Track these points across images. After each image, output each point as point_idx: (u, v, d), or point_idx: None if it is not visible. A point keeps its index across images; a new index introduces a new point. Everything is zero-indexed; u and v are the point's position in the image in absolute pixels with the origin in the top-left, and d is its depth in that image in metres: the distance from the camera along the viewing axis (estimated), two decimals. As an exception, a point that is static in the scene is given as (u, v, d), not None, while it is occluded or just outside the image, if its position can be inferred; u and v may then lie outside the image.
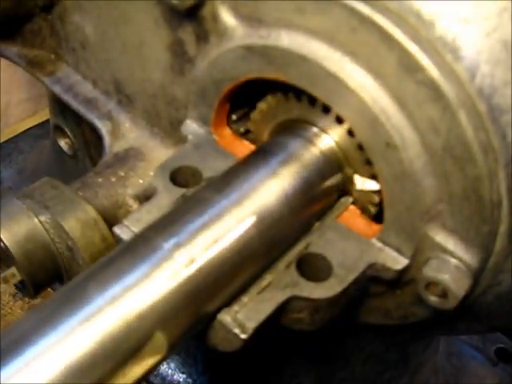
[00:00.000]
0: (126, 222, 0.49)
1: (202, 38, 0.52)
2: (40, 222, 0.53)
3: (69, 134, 0.83)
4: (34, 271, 0.54)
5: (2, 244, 0.53)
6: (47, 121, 1.20)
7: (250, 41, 0.48)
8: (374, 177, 0.49)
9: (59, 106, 0.82)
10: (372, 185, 0.50)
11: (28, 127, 1.18)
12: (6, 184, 1.07)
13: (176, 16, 0.53)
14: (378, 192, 0.50)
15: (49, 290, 0.69)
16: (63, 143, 0.86)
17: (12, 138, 1.14)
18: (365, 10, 0.41)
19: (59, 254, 0.54)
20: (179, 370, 0.87)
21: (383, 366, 0.77)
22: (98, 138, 0.70)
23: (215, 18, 0.50)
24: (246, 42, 0.48)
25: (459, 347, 0.95)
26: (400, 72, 0.42)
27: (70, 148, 0.86)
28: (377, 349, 0.75)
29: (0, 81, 1.13)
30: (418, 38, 0.41)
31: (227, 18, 0.49)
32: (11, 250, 0.52)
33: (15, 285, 0.58)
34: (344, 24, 0.43)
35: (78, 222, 0.54)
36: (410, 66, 0.41)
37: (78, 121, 0.78)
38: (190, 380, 0.87)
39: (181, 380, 0.87)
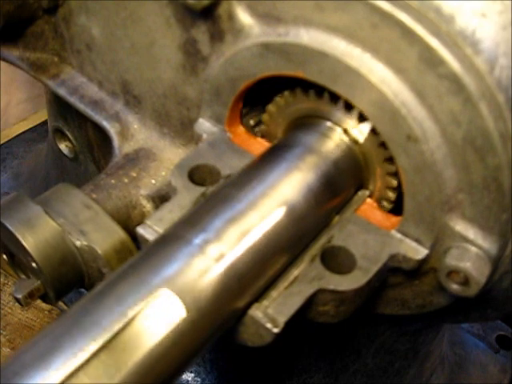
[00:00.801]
0: (148, 222, 0.49)
1: (217, 36, 0.53)
2: (76, 247, 0.53)
3: (70, 136, 0.83)
4: (59, 285, 0.54)
5: (33, 264, 0.53)
6: (40, 124, 1.19)
7: (268, 38, 0.48)
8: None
9: (59, 109, 0.82)
10: (366, 126, 0.50)
11: (21, 131, 1.17)
12: (3, 190, 1.05)
13: (189, 15, 0.54)
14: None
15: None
16: (63, 146, 0.86)
17: (5, 142, 1.13)
18: (386, 6, 0.42)
19: (88, 274, 0.54)
20: (187, 369, 0.88)
21: (393, 356, 0.78)
22: (104, 139, 0.70)
23: (231, 17, 0.50)
24: (264, 40, 0.49)
25: (462, 336, 0.97)
26: (421, 66, 0.43)
27: (71, 151, 0.85)
28: (387, 339, 0.76)
29: (0, 81, 1.12)
30: (438, 32, 0.42)
31: (244, 16, 0.50)
32: (44, 271, 0.53)
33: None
34: (365, 21, 0.44)
35: (115, 252, 0.54)
36: (432, 61, 0.42)
37: (81, 123, 0.77)
38: (198, 379, 0.87)
39: (189, 379, 0.88)
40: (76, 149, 0.84)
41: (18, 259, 0.57)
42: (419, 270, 0.51)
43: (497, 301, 0.55)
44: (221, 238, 0.43)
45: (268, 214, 0.45)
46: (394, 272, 0.52)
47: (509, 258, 0.49)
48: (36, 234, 0.54)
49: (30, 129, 1.16)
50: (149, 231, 0.48)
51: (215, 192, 0.49)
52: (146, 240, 0.48)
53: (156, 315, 0.39)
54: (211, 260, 0.42)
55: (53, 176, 0.95)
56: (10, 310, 1.00)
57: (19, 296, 0.55)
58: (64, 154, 0.87)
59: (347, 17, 0.44)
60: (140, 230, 0.49)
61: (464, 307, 0.56)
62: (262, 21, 0.49)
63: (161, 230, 0.48)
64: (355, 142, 0.52)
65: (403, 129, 0.45)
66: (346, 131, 0.52)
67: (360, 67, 0.45)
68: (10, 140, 1.13)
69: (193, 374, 0.87)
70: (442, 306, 0.54)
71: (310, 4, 0.46)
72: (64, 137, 0.85)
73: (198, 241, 0.43)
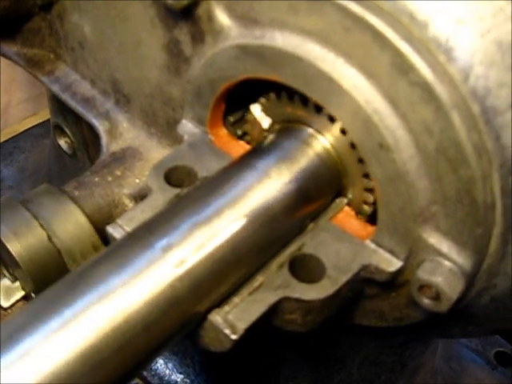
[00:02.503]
0: (119, 222, 0.49)
1: (198, 37, 0.52)
2: None
3: (68, 133, 0.83)
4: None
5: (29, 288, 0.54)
6: (48, 120, 1.20)
7: (245, 41, 0.48)
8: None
9: (59, 106, 0.82)
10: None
11: (29, 126, 1.18)
12: (7, 183, 1.07)
13: (171, 16, 0.53)
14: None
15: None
16: (63, 142, 0.86)
17: (13, 136, 1.15)
18: (357, 9, 0.41)
19: None
20: (177, 370, 0.87)
21: (379, 368, 0.76)
22: (97, 137, 0.70)
23: (210, 17, 0.50)
24: (241, 42, 0.48)
25: (459, 350, 0.94)
26: (393, 73, 0.42)
27: (70, 147, 0.86)
28: (372, 351, 0.75)
29: (0, 81, 1.14)
30: (410, 38, 0.41)
31: (222, 17, 0.49)
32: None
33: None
34: (337, 24, 0.43)
35: None
36: (403, 67, 0.41)
37: (78, 120, 0.78)
38: (187, 380, 0.87)
39: (178, 380, 0.87)
40: (74, 145, 0.85)
41: (4, 259, 0.58)
42: (395, 282, 0.50)
43: (476, 318, 0.53)
44: (183, 243, 0.43)
45: (233, 221, 0.44)
46: (370, 283, 0.50)
47: (486, 274, 0.47)
48: (37, 260, 0.55)
49: (39, 124, 1.17)
50: (118, 230, 0.48)
51: (186, 195, 0.49)
52: (115, 239, 0.48)
53: None
54: (171, 265, 0.41)
55: (54, 172, 0.96)
56: (9, 310, 1.00)
57: (5, 305, 0.57)
58: (64, 151, 0.88)
59: (321, 20, 0.43)
60: (109, 229, 0.49)
61: (443, 322, 0.54)
62: (239, 22, 0.49)
63: (129, 230, 0.48)
64: (331, 148, 0.50)
65: (375, 137, 0.44)
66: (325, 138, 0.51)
67: (332, 72, 0.44)
68: (18, 134, 1.15)
69: (182, 376, 0.87)
70: (419, 320, 0.52)
71: (285, 5, 0.45)
72: (63, 133, 0.85)
73: (159, 245, 0.42)
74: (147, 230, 0.44)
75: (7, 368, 0.35)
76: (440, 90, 0.41)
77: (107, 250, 0.43)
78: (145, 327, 0.40)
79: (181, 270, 0.41)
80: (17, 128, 1.17)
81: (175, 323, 0.41)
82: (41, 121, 1.19)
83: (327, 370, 0.74)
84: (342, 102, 0.44)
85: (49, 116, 1.09)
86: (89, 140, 0.78)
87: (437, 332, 0.60)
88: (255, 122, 0.55)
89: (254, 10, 0.47)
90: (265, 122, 0.49)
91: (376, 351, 0.74)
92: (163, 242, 0.42)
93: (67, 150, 0.86)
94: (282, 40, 0.46)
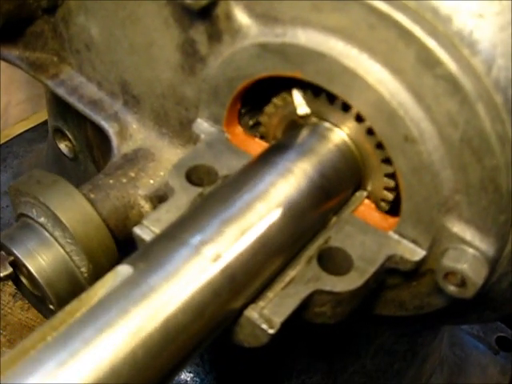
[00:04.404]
0: (145, 223, 0.49)
1: (215, 37, 0.53)
2: None
3: (69, 136, 0.83)
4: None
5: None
6: (40, 124, 1.19)
7: (266, 39, 0.48)
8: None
9: (59, 109, 0.82)
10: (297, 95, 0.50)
11: (21, 131, 1.17)
12: (2, 189, 1.06)
13: (187, 16, 0.54)
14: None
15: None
16: (63, 146, 0.86)
17: (6, 142, 1.13)
18: (383, 7, 0.42)
19: None
20: (186, 369, 0.88)
21: (392, 357, 0.78)
22: (102, 139, 0.70)
23: (229, 17, 0.50)
24: (262, 41, 0.49)
25: (462, 337, 0.96)
26: (418, 67, 0.43)
27: (71, 150, 0.85)
28: (386, 341, 0.76)
29: (0, 81, 1.12)
30: (435, 33, 0.42)
31: (241, 17, 0.50)
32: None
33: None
34: (362, 21, 0.43)
35: None
36: (429, 61, 0.42)
37: (80, 123, 0.78)
38: (197, 379, 0.87)
39: (188, 379, 0.88)
40: (76, 148, 0.84)
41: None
42: (417, 271, 0.51)
43: (495, 302, 0.54)
44: (217, 238, 0.43)
45: (264, 215, 0.45)
46: (392, 273, 0.51)
47: (507, 259, 0.49)
48: (60, 286, 0.57)
49: (31, 128, 1.16)
50: (146, 231, 0.48)
51: (212, 193, 0.49)
52: (143, 240, 0.48)
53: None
54: (207, 260, 0.42)
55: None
56: (9, 310, 1.00)
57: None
58: (64, 154, 0.87)
59: (344, 17, 0.44)
60: (137, 230, 0.49)
61: (462, 308, 0.56)
62: (259, 21, 0.49)
63: (158, 231, 0.48)
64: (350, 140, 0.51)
65: (400, 129, 0.45)
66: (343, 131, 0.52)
67: (357, 68, 0.45)
68: (10, 139, 1.13)
69: (192, 375, 0.87)
70: (440, 308, 0.54)
71: (308, 4, 0.45)
72: (64, 136, 0.85)
73: (194, 241, 0.43)
74: (179, 228, 0.44)
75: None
76: (465, 82, 0.42)
77: (143, 250, 0.43)
78: (185, 325, 0.40)
79: (218, 265, 0.42)
80: (10, 132, 1.16)
81: (215, 320, 0.42)
82: (33, 125, 1.18)
83: (341, 362, 0.76)
84: (366, 96, 0.45)
85: (41, 120, 1.08)
86: (93, 142, 0.78)
87: (453, 319, 0.62)
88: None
89: (275, 9, 0.48)
90: (302, 109, 0.49)
91: (390, 340, 0.76)
92: (197, 239, 0.43)
93: (68, 154, 0.86)
94: (305, 37, 0.46)
